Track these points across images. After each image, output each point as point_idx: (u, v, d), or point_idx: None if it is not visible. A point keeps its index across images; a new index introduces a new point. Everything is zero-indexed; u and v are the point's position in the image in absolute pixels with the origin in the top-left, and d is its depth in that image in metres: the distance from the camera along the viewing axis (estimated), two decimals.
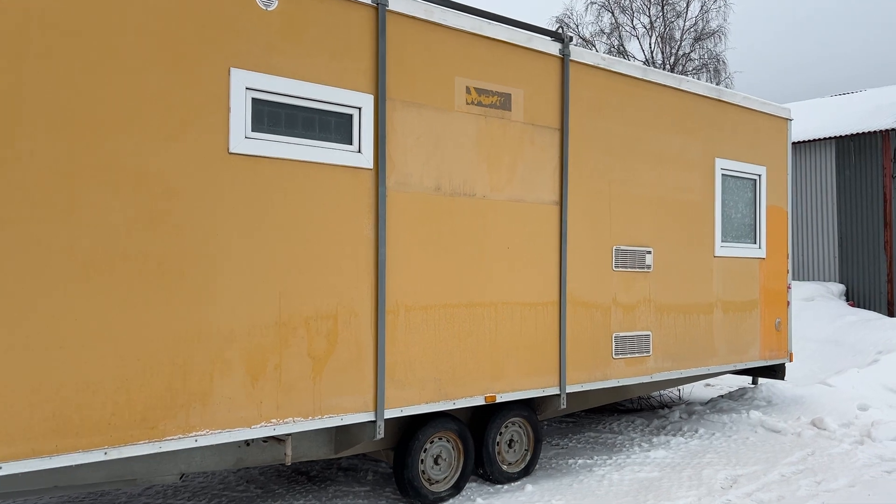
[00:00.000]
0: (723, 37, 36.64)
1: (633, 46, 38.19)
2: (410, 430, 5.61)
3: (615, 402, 9.28)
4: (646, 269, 7.05)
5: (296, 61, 4.80)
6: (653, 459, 6.62)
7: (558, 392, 6.29)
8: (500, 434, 6.15)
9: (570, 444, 7.25)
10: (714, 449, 6.97)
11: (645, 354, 7.03)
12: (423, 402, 5.40)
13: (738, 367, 8.12)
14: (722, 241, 7.91)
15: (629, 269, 6.91)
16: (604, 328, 6.69)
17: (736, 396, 8.82)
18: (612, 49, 38.04)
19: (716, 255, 7.79)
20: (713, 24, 36.53)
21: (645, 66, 7.11)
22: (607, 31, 37.79)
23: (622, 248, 6.85)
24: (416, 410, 5.36)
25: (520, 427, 6.30)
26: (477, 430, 6.06)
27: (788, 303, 8.72)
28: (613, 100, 6.81)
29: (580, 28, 37.29)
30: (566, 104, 6.37)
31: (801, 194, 16.31)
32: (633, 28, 37.26)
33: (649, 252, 7.09)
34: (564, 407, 6.33)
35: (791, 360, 8.75)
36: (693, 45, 37.39)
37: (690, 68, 37.94)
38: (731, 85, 36.20)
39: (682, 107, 7.47)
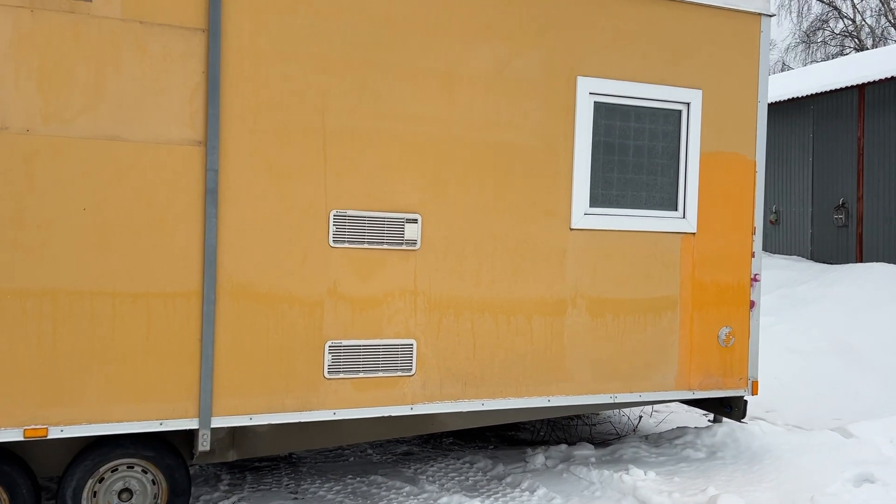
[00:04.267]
0: None
1: None
2: None
3: (510, 426, 6.73)
4: (406, 247, 4.62)
5: None
6: None
7: (197, 427, 4.21)
8: (101, 481, 4.22)
9: (317, 494, 5.06)
10: None
11: (401, 374, 4.63)
12: None
13: (628, 400, 5.29)
14: (590, 206, 5.12)
15: (370, 246, 4.54)
16: (307, 333, 4.43)
17: (663, 440, 5.89)
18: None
19: (574, 226, 5.04)
20: None
21: None
22: None
23: (352, 213, 4.50)
24: None
25: (143, 473, 4.30)
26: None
27: (752, 304, 5.60)
28: None
29: None
30: None
31: None
32: None
33: (413, 221, 4.63)
34: (206, 448, 4.22)
35: (754, 393, 5.64)
36: None
37: None
38: None
39: None
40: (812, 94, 12.00)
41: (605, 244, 5.13)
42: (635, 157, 5.25)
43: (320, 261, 4.44)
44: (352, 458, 5.90)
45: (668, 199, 5.35)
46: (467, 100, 4.74)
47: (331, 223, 4.45)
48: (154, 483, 4.31)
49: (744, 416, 5.72)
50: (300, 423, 4.57)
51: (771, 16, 5.57)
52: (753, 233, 5.56)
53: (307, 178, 4.40)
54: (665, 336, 5.31)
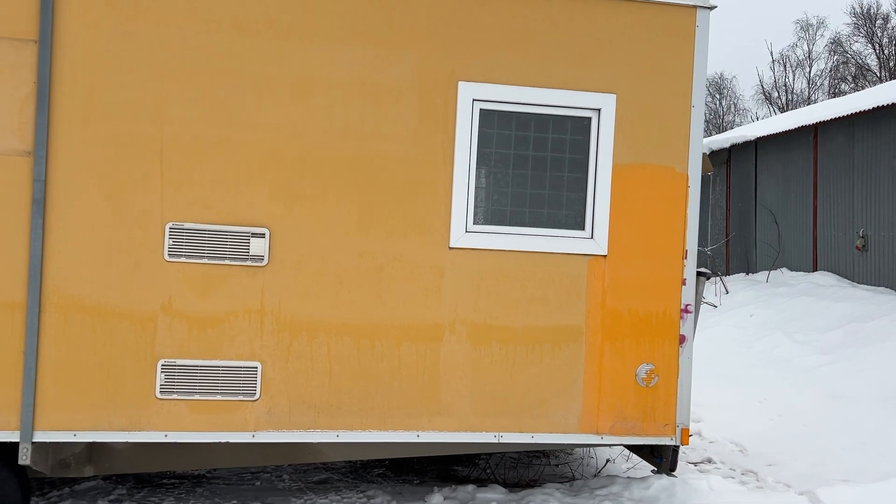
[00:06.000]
0: None
1: None
2: None
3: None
4: (252, 263, 4.37)
5: None
6: None
7: (18, 440, 4.15)
8: None
9: None
10: None
11: (243, 398, 4.37)
12: None
13: (518, 441, 4.71)
14: (474, 224, 4.63)
15: (210, 262, 4.33)
16: (138, 350, 4.27)
17: (586, 489, 5.19)
18: None
19: (454, 245, 4.58)
20: None
21: None
22: None
23: (190, 226, 4.31)
24: None
25: None
26: None
27: (683, 338, 4.86)
28: None
29: None
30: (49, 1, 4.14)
31: None
32: None
33: (260, 235, 4.37)
34: (27, 462, 4.15)
35: (684, 442, 4.86)
36: None
37: None
38: None
39: None
40: None
41: (492, 265, 4.63)
42: (535, 170, 4.71)
43: (154, 275, 4.28)
44: (259, 483, 5.67)
45: (574, 218, 4.75)
46: (326, 107, 4.44)
47: (166, 236, 4.28)
48: None
49: (673, 468, 4.97)
50: (161, 443, 4.44)
51: (710, 8, 4.85)
52: (684, 256, 4.83)
53: (142, 188, 4.26)
54: (566, 370, 4.70)
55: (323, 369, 4.45)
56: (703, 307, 12.28)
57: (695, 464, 6.55)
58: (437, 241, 4.57)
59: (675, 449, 4.92)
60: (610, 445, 5.04)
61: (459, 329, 4.59)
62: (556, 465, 6.40)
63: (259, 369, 4.38)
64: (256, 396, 4.38)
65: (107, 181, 4.23)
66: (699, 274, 5.24)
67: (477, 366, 4.61)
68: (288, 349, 4.41)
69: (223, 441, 4.37)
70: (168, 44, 4.28)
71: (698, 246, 4.99)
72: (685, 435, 4.84)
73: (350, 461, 6.16)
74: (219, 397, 4.35)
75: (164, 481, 5.62)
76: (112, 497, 5.22)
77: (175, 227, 4.29)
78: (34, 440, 4.16)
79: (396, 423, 4.53)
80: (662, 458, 4.99)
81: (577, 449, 6.63)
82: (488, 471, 6.18)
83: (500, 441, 4.65)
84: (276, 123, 4.39)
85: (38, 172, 4.13)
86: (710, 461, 6.64)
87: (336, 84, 4.45)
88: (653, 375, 4.78)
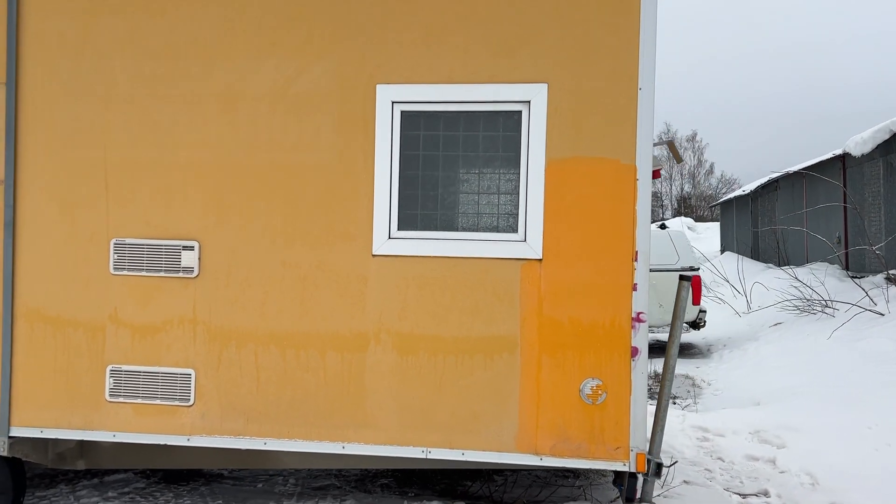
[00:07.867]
0: None
1: None
2: None
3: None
4: (184, 274, 4.60)
5: None
6: None
7: None
8: None
9: None
10: None
11: (179, 403, 4.61)
12: None
13: (448, 458, 4.45)
14: (398, 229, 4.49)
15: (148, 274, 4.64)
16: (91, 356, 4.68)
17: None
18: None
19: (377, 252, 4.48)
20: None
21: None
22: None
23: (130, 241, 4.65)
24: None
25: None
26: None
27: (635, 351, 4.31)
28: (117, 26, 4.65)
29: None
30: (12, 42, 4.70)
31: None
32: None
33: (190, 248, 4.60)
34: (4, 452, 4.70)
35: (639, 468, 4.29)
36: None
37: None
38: None
39: (281, 5, 4.54)
40: None
41: (417, 272, 4.45)
42: (466, 170, 4.47)
43: (102, 287, 4.66)
44: (260, 485, 5.89)
45: (506, 220, 4.43)
46: (249, 121, 4.57)
47: (111, 251, 4.65)
48: None
49: (631, 498, 4.40)
50: (137, 443, 4.83)
51: None
52: (634, 258, 4.30)
53: (91, 209, 4.67)
54: (500, 383, 4.38)
55: (251, 377, 4.56)
56: (866, 315, 10.67)
57: (743, 496, 5.75)
58: (359, 248, 4.49)
59: (632, 475, 4.38)
60: (552, 468, 4.58)
61: (385, 339, 4.47)
62: (579, 487, 5.94)
63: (193, 376, 4.59)
64: (191, 402, 4.59)
65: (64, 203, 4.69)
66: (682, 277, 4.64)
67: (404, 377, 4.45)
68: (219, 357, 4.58)
69: (162, 443, 4.63)
70: (110, 75, 4.66)
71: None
72: (640, 460, 4.28)
73: (362, 469, 6.20)
74: (158, 402, 4.62)
75: (191, 478, 6.04)
76: (126, 489, 5.71)
77: (118, 242, 4.65)
78: (10, 435, 4.72)
79: (322, 434, 4.51)
80: (623, 486, 4.46)
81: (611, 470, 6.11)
82: (490, 487, 5.89)
83: (429, 457, 4.44)
84: (205, 140, 4.59)
85: (7, 198, 4.69)
86: (765, 494, 5.79)
87: (258, 98, 4.56)
88: (599, 392, 4.30)
